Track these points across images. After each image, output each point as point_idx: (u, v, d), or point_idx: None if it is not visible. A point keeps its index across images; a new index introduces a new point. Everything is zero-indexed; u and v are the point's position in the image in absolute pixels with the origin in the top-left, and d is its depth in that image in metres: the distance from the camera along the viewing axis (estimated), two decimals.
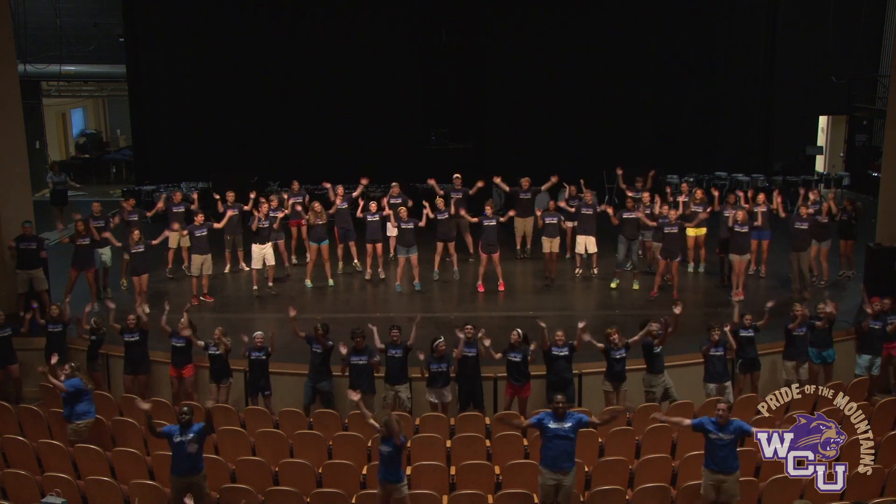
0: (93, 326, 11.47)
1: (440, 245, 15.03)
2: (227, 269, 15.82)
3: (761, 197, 14.82)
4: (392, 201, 15.35)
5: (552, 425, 8.16)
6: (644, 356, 10.87)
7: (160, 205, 15.57)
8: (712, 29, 22.34)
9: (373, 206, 14.94)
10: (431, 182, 15.56)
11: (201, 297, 14.12)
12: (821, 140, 24.25)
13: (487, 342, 10.53)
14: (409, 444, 8.33)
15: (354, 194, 15.44)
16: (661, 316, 11.19)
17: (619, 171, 16.79)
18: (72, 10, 22.57)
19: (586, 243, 15.05)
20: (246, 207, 15.14)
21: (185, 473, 8.30)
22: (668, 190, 16.45)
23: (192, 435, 8.32)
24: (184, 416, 8.39)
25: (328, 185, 15.73)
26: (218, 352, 10.86)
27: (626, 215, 14.52)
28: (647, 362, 10.86)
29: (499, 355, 10.65)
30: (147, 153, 22.28)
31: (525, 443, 9.48)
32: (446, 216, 14.86)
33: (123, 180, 25.86)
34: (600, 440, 9.46)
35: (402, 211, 14.50)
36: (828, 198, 14.93)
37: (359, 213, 14.98)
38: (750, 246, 14.28)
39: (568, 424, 8.15)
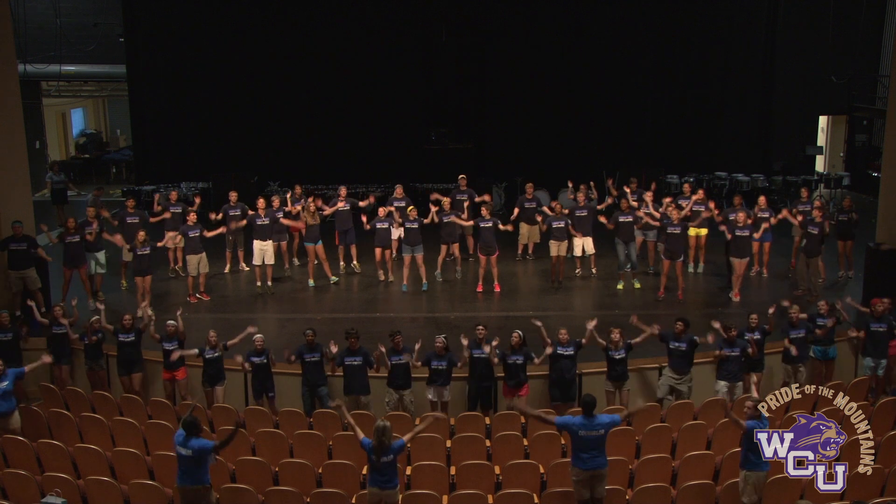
0: (93, 326, 11.46)
1: (444, 247, 15.08)
2: (226, 269, 15.81)
3: (762, 200, 14.81)
4: (396, 204, 15.35)
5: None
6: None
7: (157, 207, 15.62)
8: (712, 29, 22.32)
9: (381, 211, 14.93)
10: (436, 196, 15.29)
11: (198, 295, 14.20)
12: (821, 140, 24.26)
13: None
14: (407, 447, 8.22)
15: (362, 204, 15.38)
16: (667, 316, 11.17)
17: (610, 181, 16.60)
18: (72, 10, 22.58)
19: (584, 244, 15.08)
20: (251, 212, 15.00)
21: (187, 485, 8.02)
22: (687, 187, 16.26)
23: (191, 451, 7.94)
24: (191, 423, 7.99)
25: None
26: (215, 355, 10.84)
27: (621, 218, 14.52)
28: (668, 357, 10.91)
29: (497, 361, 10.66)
30: (147, 153, 22.29)
31: (525, 443, 9.48)
32: (451, 218, 14.88)
33: (123, 180, 25.85)
34: None
35: (412, 212, 14.52)
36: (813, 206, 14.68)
37: (366, 226, 14.72)
38: (751, 248, 14.28)
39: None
